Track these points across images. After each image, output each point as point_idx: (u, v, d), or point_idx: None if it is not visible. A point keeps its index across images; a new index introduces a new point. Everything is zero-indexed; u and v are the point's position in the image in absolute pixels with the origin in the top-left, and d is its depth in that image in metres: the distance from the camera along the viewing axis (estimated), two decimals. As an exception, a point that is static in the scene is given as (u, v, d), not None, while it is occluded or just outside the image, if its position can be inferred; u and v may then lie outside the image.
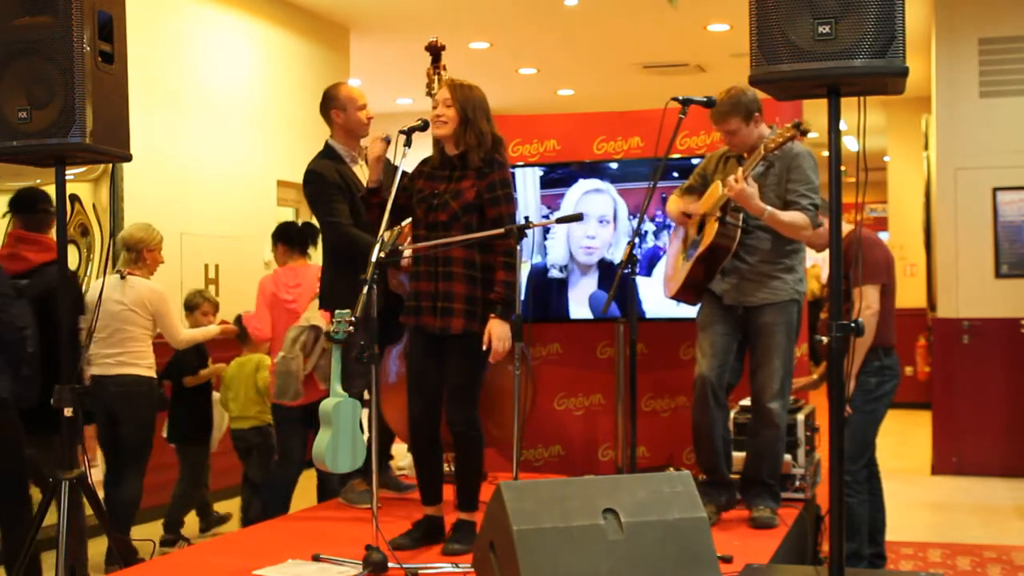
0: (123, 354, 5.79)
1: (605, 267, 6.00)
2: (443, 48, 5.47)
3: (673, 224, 5.28)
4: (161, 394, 6.20)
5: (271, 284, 6.17)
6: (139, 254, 5.93)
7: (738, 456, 5.22)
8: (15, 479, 4.83)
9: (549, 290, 6.09)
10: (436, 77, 5.45)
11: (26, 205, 5.28)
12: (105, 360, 5.77)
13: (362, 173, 5.18)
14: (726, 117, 4.83)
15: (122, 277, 5.86)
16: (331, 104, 5.36)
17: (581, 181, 6.04)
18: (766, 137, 4.87)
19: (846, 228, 5.14)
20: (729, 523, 4.87)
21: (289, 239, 6.30)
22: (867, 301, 5.28)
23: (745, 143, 4.89)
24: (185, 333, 6.18)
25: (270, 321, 6.12)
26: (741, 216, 4.80)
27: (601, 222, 5.98)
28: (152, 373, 5.94)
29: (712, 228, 4.83)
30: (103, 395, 5.72)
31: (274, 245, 6.46)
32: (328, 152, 5.36)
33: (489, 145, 4.43)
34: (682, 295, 5.11)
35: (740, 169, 4.70)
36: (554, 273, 6.09)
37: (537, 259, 6.06)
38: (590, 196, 6.03)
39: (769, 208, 4.69)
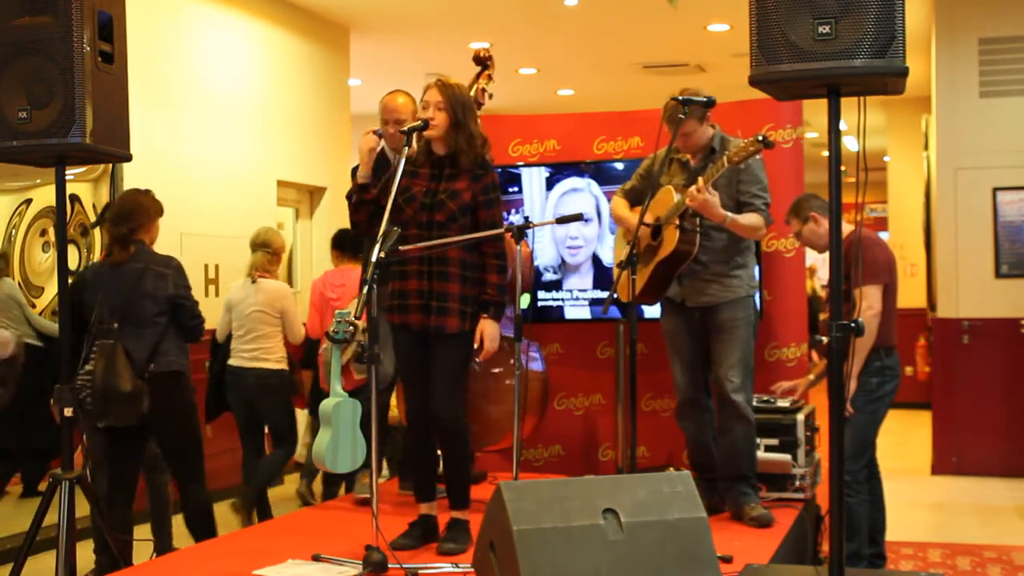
0: (257, 350, 6.39)
1: (600, 266, 6.00)
2: (490, 58, 5.45)
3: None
4: (292, 381, 6.73)
5: (320, 284, 6.77)
6: (276, 255, 6.56)
7: None
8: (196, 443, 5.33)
9: (545, 290, 6.13)
10: (477, 87, 5.42)
11: None
12: (242, 354, 6.40)
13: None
14: (682, 122, 4.84)
15: (253, 281, 6.44)
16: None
17: (561, 182, 6.07)
18: (712, 135, 4.92)
19: (847, 228, 5.14)
20: (729, 523, 4.87)
21: (341, 245, 6.97)
22: (869, 301, 5.28)
23: (698, 144, 4.96)
24: (301, 331, 6.68)
25: (318, 318, 6.65)
26: (698, 220, 4.82)
27: (585, 220, 5.99)
28: (283, 366, 6.50)
29: (672, 235, 4.85)
30: (242, 384, 6.38)
31: (331, 249, 7.14)
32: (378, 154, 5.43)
33: (478, 147, 4.45)
34: (641, 299, 5.13)
35: (701, 179, 4.69)
36: (548, 276, 6.11)
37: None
38: (568, 197, 6.06)
39: (730, 215, 4.75)
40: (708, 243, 4.93)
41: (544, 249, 6.10)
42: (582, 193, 6.04)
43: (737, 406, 4.92)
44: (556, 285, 6.11)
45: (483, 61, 5.44)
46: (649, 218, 4.92)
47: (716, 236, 4.93)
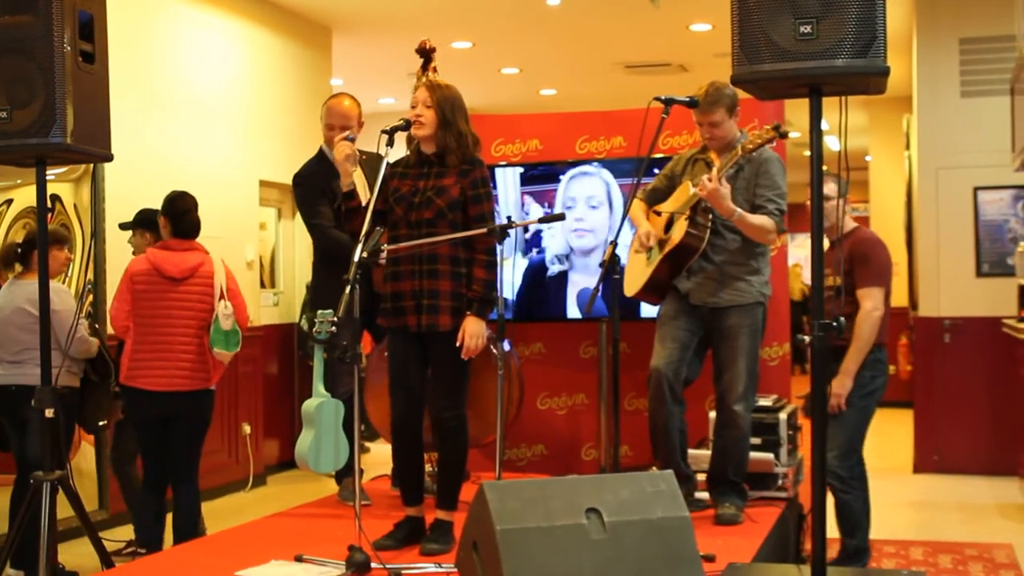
0: None
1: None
2: (433, 50, 5.45)
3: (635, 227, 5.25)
4: None
5: None
6: None
7: (705, 454, 5.22)
8: None
9: (548, 285, 6.04)
10: (426, 79, 5.42)
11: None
12: None
13: (360, 181, 5.09)
14: (713, 106, 4.84)
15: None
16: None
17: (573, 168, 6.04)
18: (738, 138, 4.91)
19: (849, 225, 5.21)
20: (712, 522, 4.87)
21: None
22: (875, 303, 5.30)
23: (724, 138, 4.91)
24: None
25: None
26: (711, 216, 4.82)
27: (592, 207, 5.95)
28: None
29: (681, 227, 4.84)
30: None
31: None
32: (320, 157, 5.39)
33: (468, 146, 4.45)
34: (645, 295, 5.13)
35: (714, 169, 4.71)
36: (555, 268, 6.03)
37: (529, 255, 6.04)
38: (578, 179, 5.99)
39: (739, 210, 4.72)
40: (721, 243, 4.90)
41: (551, 238, 6.02)
42: (592, 177, 5.95)
43: (734, 414, 4.90)
44: (562, 277, 6.03)
45: (427, 53, 5.43)
46: (666, 213, 4.93)
47: (730, 237, 4.89)
